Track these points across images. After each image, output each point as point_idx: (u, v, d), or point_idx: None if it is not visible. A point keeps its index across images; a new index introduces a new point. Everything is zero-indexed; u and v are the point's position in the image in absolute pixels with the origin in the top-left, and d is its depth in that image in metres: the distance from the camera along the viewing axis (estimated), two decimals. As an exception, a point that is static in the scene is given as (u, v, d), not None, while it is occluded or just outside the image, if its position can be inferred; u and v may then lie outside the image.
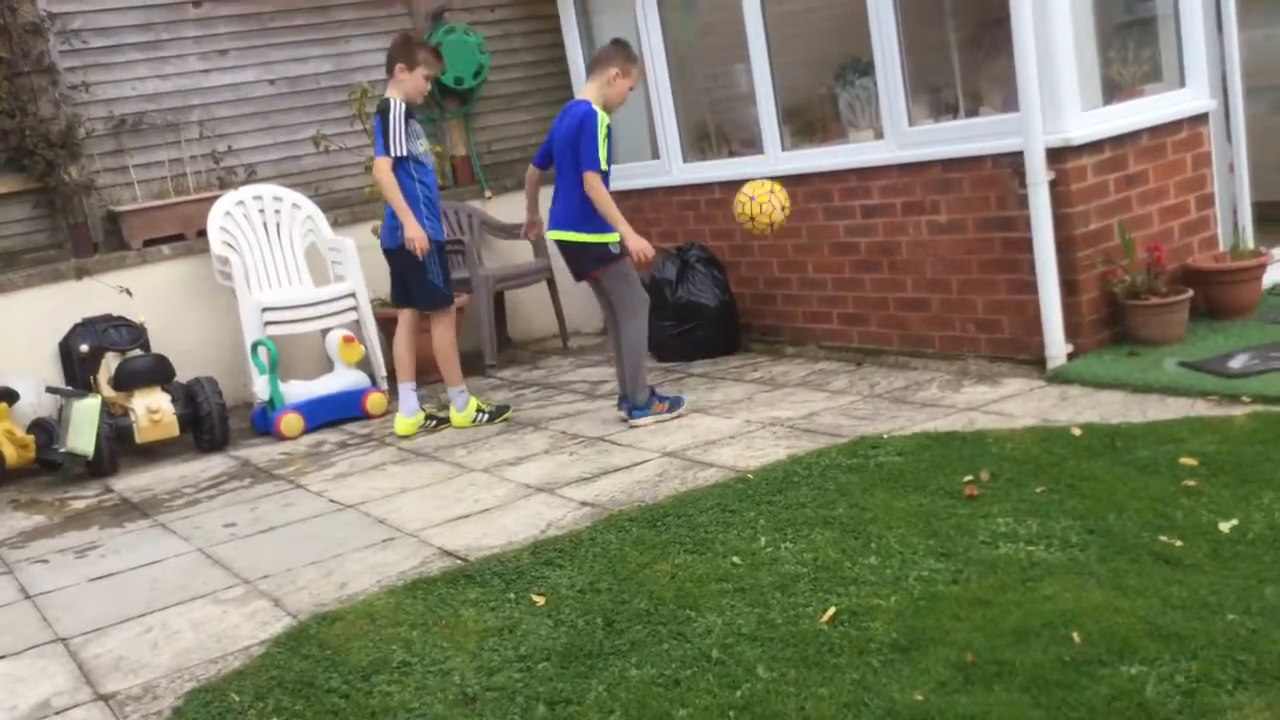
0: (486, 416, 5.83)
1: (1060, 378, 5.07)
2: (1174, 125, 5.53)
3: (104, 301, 6.56)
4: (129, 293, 6.61)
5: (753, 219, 5.17)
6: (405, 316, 5.85)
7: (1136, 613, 2.92)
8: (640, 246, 5.18)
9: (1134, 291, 5.19)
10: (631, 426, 5.34)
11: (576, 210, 5.22)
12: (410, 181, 5.57)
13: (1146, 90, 5.65)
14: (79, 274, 6.59)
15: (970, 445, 4.33)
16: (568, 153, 5.21)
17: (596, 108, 5.17)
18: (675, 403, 5.45)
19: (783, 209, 5.17)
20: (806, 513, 3.89)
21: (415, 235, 5.50)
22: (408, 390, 5.83)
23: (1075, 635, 2.85)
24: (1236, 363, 4.78)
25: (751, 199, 5.16)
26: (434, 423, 5.89)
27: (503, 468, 5.03)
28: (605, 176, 5.16)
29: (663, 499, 4.25)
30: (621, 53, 5.27)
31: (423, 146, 5.68)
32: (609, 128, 5.18)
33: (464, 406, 5.82)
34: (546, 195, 5.52)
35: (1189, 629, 2.81)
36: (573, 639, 3.22)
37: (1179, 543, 3.29)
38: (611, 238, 5.21)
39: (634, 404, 5.37)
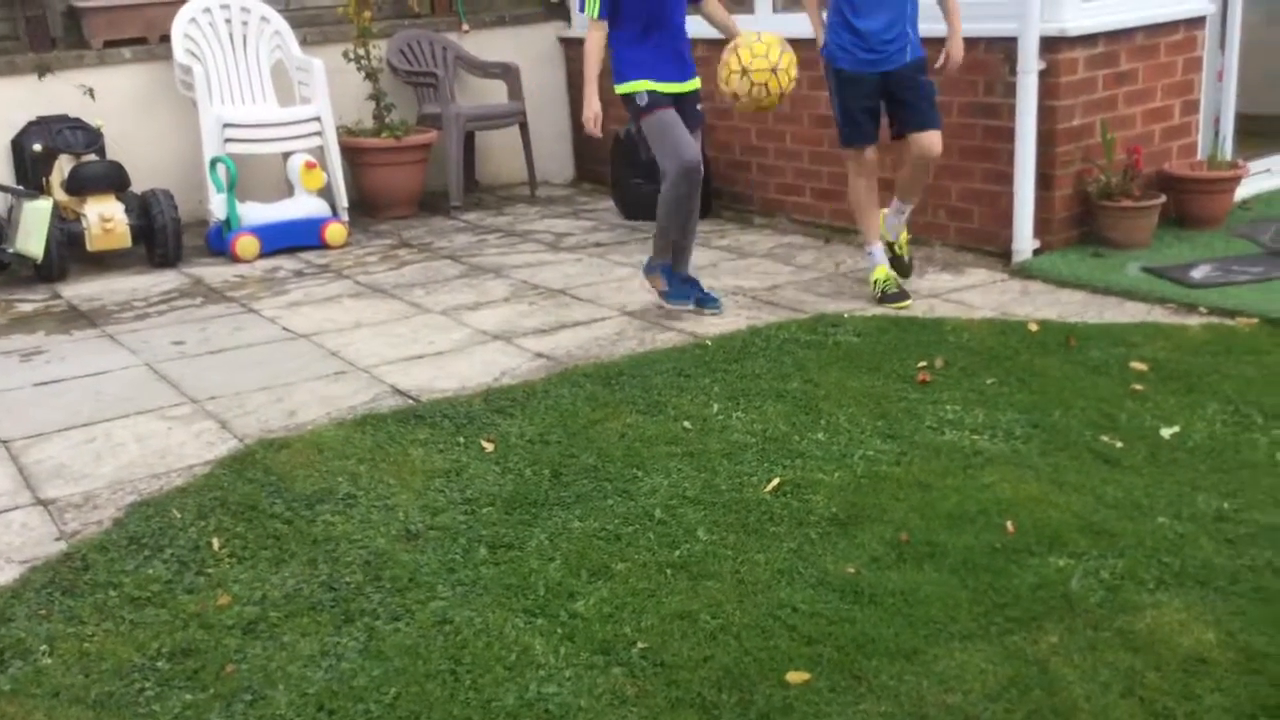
0: (880, 293, 4.80)
1: (1024, 272, 5.09)
2: (1170, 26, 5.42)
3: (60, 101, 6.32)
4: (91, 93, 6.37)
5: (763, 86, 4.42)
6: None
7: (1070, 508, 2.99)
8: (586, 118, 4.62)
9: (1107, 192, 5.17)
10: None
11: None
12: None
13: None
14: (39, 70, 6.32)
15: (928, 332, 4.36)
16: None
17: None
18: (674, 296, 4.76)
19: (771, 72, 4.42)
20: (761, 384, 3.91)
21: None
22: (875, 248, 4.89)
23: (1009, 524, 2.92)
24: (1198, 273, 4.81)
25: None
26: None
27: (461, 312, 4.99)
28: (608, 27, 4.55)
29: (619, 358, 4.25)
30: None
31: None
32: None
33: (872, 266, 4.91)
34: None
35: (1119, 528, 2.88)
36: (519, 487, 3.24)
37: (1119, 444, 3.36)
38: (635, 86, 4.53)
39: (651, 256, 4.83)
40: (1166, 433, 3.41)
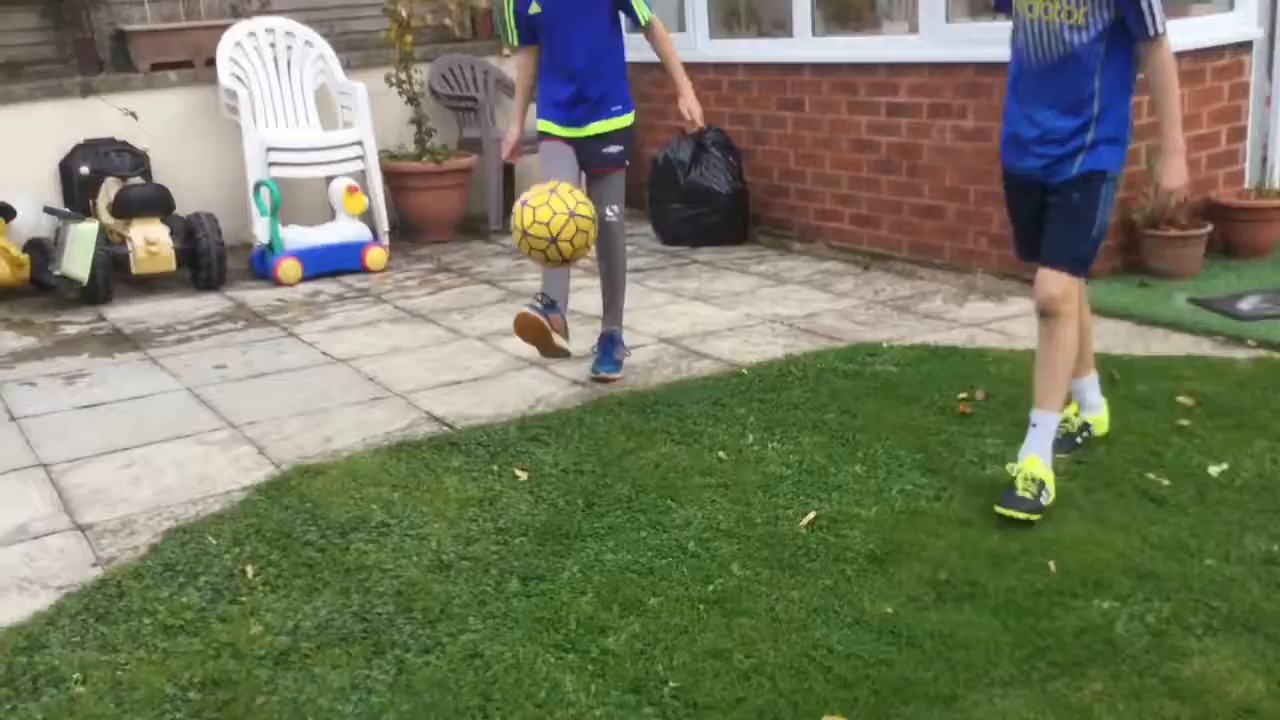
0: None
1: (1067, 301, 5.00)
2: (1216, 51, 5.34)
3: (107, 124, 6.42)
4: (134, 115, 6.45)
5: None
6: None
7: (1115, 548, 2.92)
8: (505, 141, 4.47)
9: (1153, 221, 5.09)
10: None
11: None
12: None
13: (1193, 10, 5.45)
14: (84, 91, 6.42)
15: (968, 362, 4.29)
16: None
17: None
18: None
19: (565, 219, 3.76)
20: (797, 414, 3.87)
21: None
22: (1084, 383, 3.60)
23: (1051, 564, 2.85)
24: (1247, 304, 4.71)
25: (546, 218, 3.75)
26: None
27: (498, 337, 4.99)
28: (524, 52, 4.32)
29: (654, 386, 4.23)
30: None
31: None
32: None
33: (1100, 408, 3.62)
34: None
35: (1166, 570, 2.81)
36: (552, 517, 3.22)
37: (1166, 482, 3.28)
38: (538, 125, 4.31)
39: None
40: (1214, 470, 3.33)
